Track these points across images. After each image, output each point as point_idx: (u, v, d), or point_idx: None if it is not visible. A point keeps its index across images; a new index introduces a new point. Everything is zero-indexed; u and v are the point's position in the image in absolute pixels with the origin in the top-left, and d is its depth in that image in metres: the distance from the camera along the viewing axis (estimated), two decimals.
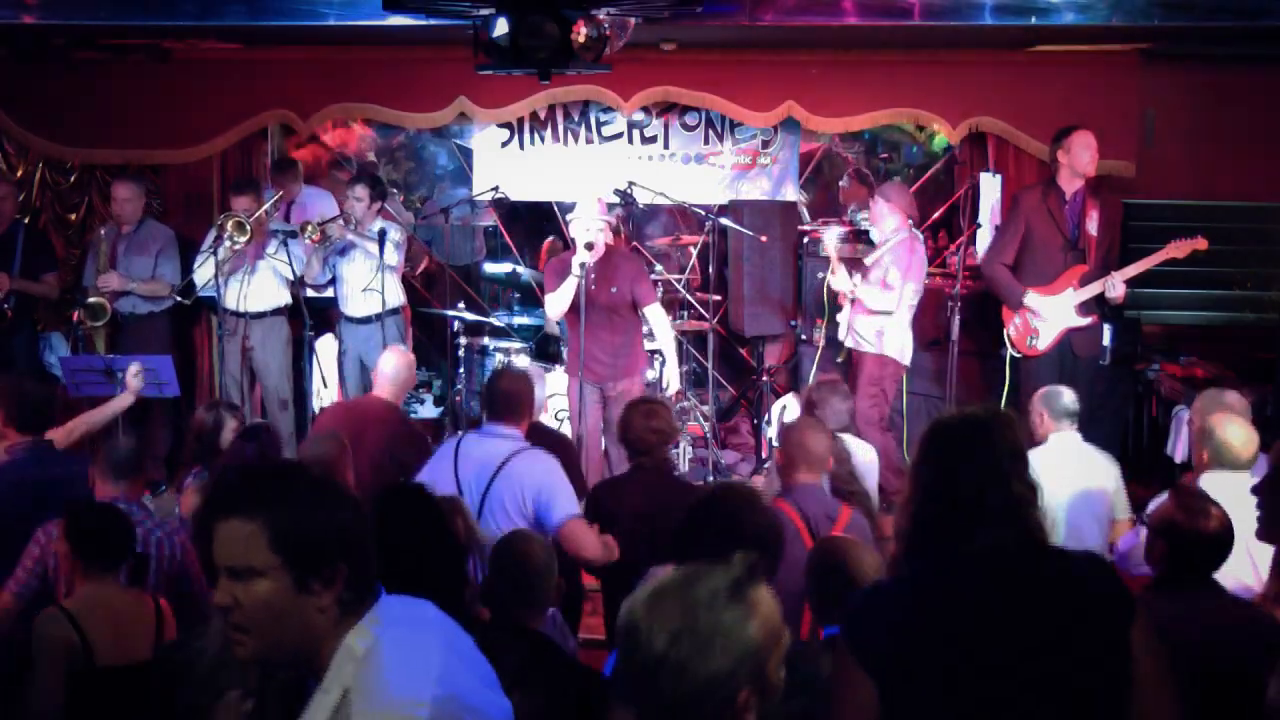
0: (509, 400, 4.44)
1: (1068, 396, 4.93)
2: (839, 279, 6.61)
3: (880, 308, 6.48)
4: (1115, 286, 6.13)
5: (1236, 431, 4.10)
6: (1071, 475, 4.72)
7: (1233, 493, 3.53)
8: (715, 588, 1.72)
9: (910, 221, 6.65)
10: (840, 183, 8.78)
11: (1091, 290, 6.22)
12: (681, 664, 1.68)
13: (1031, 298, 6.31)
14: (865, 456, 5.04)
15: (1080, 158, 6.23)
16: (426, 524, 3.03)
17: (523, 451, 4.30)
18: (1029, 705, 2.11)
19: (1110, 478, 4.83)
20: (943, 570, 2.20)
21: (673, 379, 6.45)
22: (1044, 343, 6.34)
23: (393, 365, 5.51)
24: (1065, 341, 6.33)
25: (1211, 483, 3.88)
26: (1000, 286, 6.46)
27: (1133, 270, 6.15)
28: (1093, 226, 6.26)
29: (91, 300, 6.94)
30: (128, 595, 3.64)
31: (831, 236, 6.78)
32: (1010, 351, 6.46)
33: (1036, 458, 4.61)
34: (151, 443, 6.88)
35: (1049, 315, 6.31)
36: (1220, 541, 3.18)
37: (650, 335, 6.61)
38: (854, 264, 6.91)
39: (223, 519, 1.83)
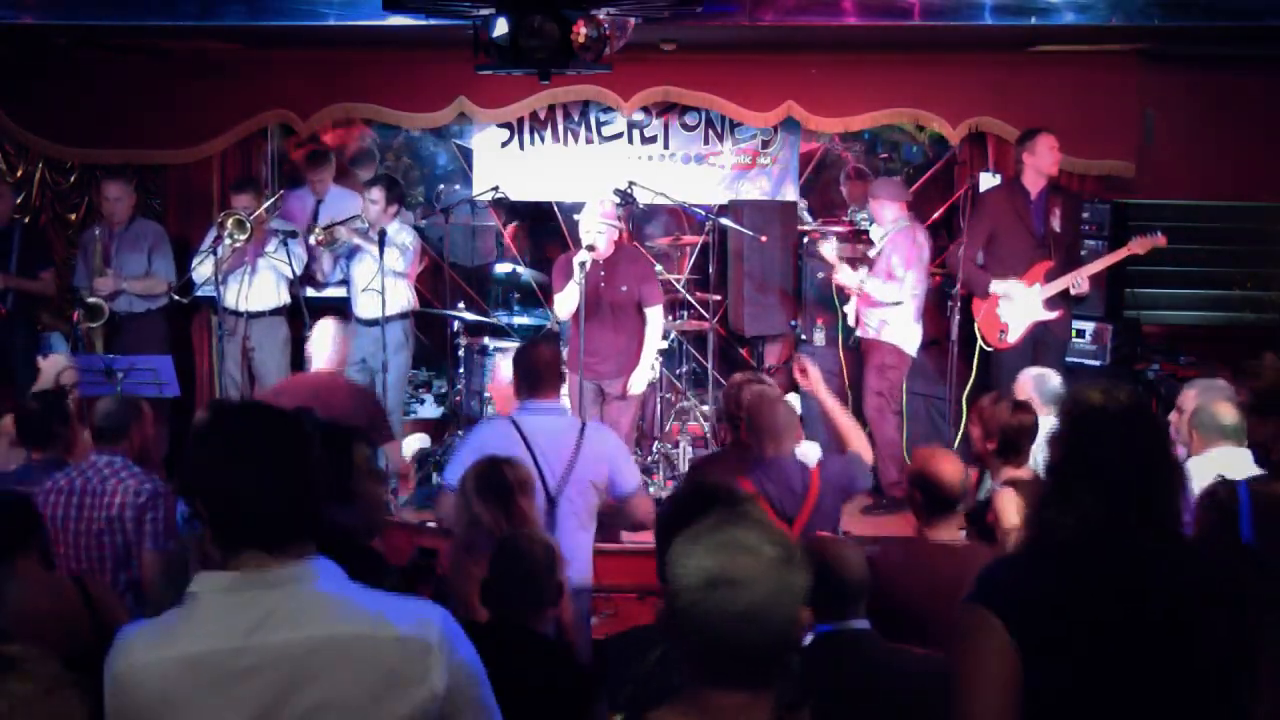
0: (551, 371, 4.45)
1: (1054, 380, 5.13)
2: (844, 275, 6.78)
3: (887, 299, 6.65)
4: (1081, 283, 6.36)
5: (1228, 408, 4.29)
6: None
7: (1238, 468, 3.62)
8: (761, 521, 1.84)
9: (909, 211, 6.85)
10: (840, 185, 8.79)
11: (1057, 286, 6.42)
12: (786, 585, 1.76)
13: (998, 284, 6.53)
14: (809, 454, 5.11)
15: (1044, 159, 6.48)
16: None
17: (590, 424, 4.51)
18: (1156, 686, 2.13)
19: None
20: (1090, 544, 2.18)
21: (639, 381, 6.41)
22: (1014, 336, 6.55)
23: (327, 334, 5.59)
24: (1037, 331, 6.52)
25: (1213, 460, 3.96)
26: (968, 277, 6.64)
27: (1097, 266, 6.36)
28: (1056, 224, 6.49)
29: (90, 301, 6.95)
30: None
31: (829, 247, 6.84)
32: (980, 344, 6.66)
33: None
34: (154, 443, 6.86)
35: (1017, 306, 6.49)
36: None
37: None
38: (857, 262, 7.00)
39: None
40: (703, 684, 1.79)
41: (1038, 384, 5.11)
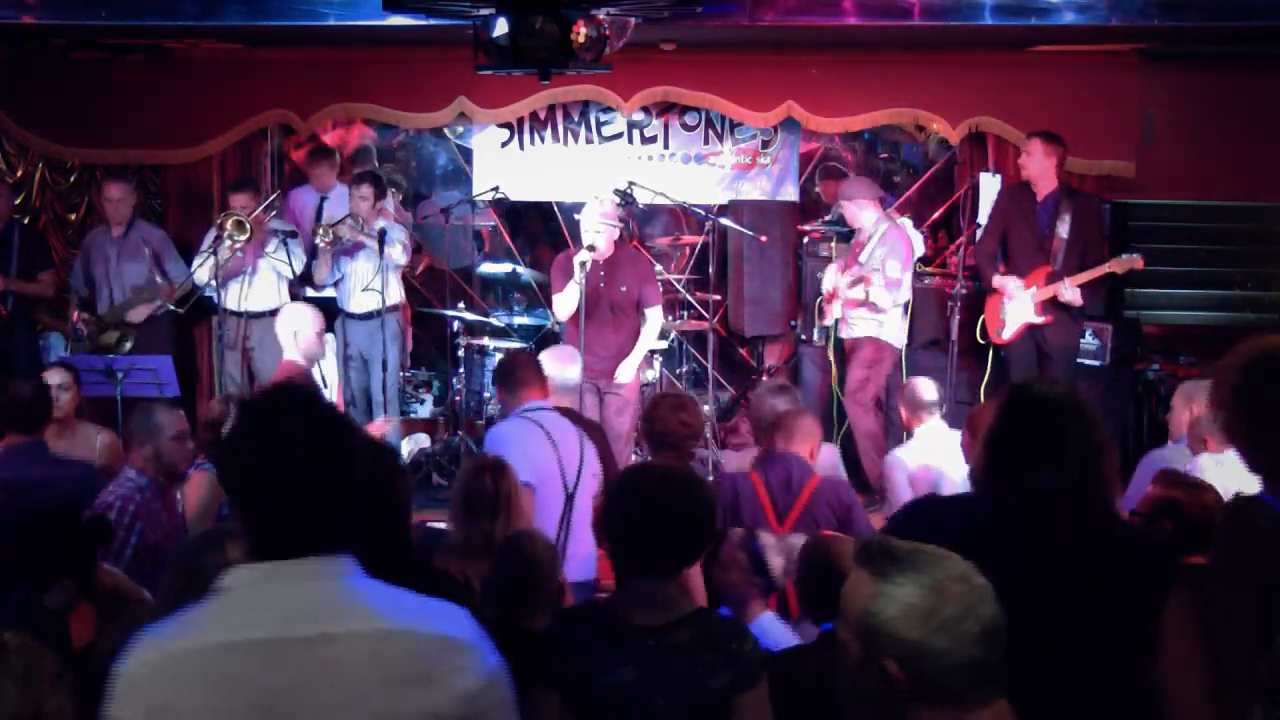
0: (535, 370, 4.59)
1: (924, 387, 5.23)
2: (851, 291, 6.77)
3: (892, 305, 6.65)
4: (1066, 290, 6.33)
5: None
6: (938, 463, 4.93)
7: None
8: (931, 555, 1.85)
9: (880, 206, 6.86)
10: (815, 187, 8.74)
11: (1047, 291, 6.41)
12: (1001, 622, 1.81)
13: (999, 278, 6.59)
14: (830, 459, 5.02)
15: (1032, 164, 6.52)
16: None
17: (583, 424, 4.61)
18: (1051, 643, 2.25)
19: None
20: (994, 500, 2.46)
21: (627, 371, 6.37)
22: (1008, 333, 6.60)
23: (288, 323, 5.55)
24: (1036, 335, 6.54)
25: (1221, 461, 3.96)
26: (980, 269, 6.79)
27: (1081, 279, 6.33)
28: (1064, 229, 6.43)
29: (113, 335, 6.97)
30: None
31: (829, 277, 6.92)
32: (978, 337, 6.80)
33: (903, 453, 4.85)
34: None
35: (1014, 306, 6.53)
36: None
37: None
38: (846, 266, 6.99)
39: None
40: (966, 703, 1.79)
41: (905, 396, 5.30)
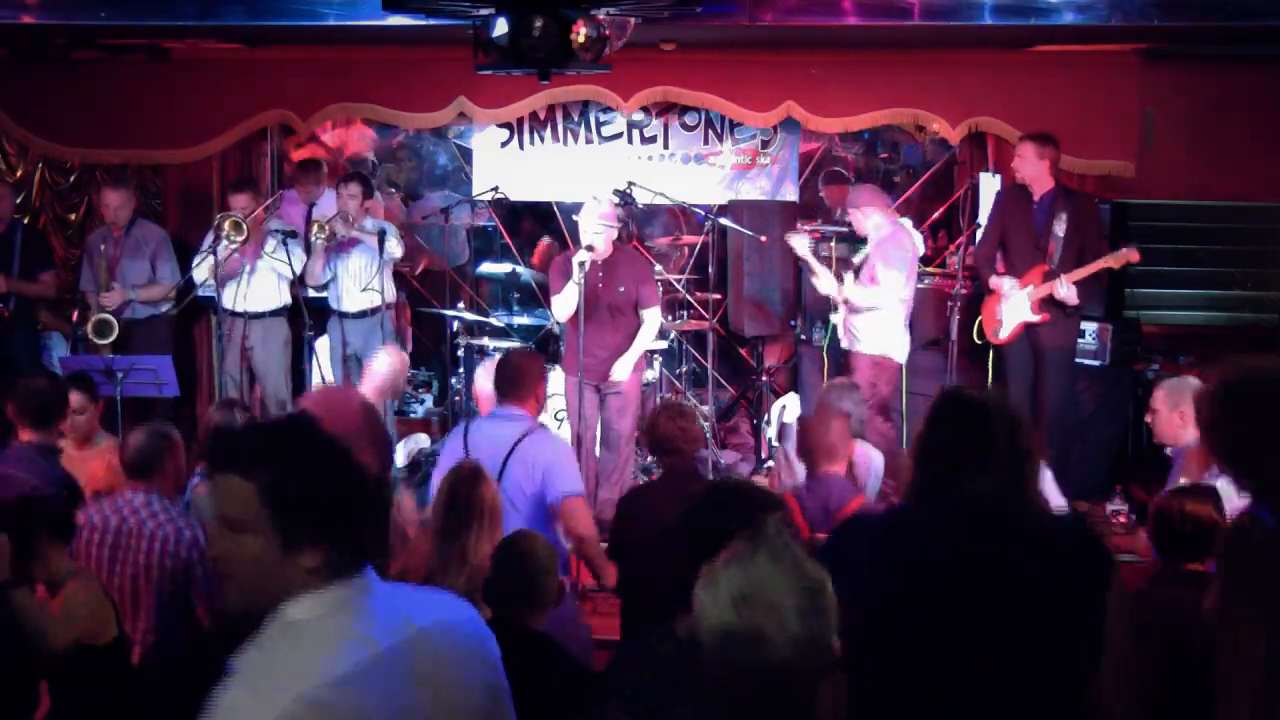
0: (518, 378, 4.52)
1: (847, 402, 5.15)
2: (823, 282, 6.66)
3: (866, 304, 6.48)
4: (1061, 287, 6.31)
5: None
6: None
7: None
8: (788, 556, 1.77)
9: (893, 214, 6.80)
10: (819, 191, 8.72)
11: (1043, 290, 6.40)
12: (811, 636, 1.71)
13: (996, 279, 6.58)
14: (875, 467, 5.06)
15: (1024, 166, 6.50)
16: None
17: (534, 432, 4.44)
18: (989, 647, 2.25)
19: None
20: (926, 509, 2.42)
21: (623, 369, 6.30)
22: (1005, 332, 6.59)
23: (385, 365, 5.52)
24: (1033, 335, 6.53)
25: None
26: (979, 270, 6.80)
27: (1078, 274, 6.31)
28: (1060, 228, 6.42)
29: (100, 318, 6.93)
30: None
31: (800, 242, 6.74)
32: (975, 337, 6.80)
33: None
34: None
35: (1010, 305, 6.52)
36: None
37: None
38: (846, 264, 6.95)
39: (223, 472, 1.85)
40: None
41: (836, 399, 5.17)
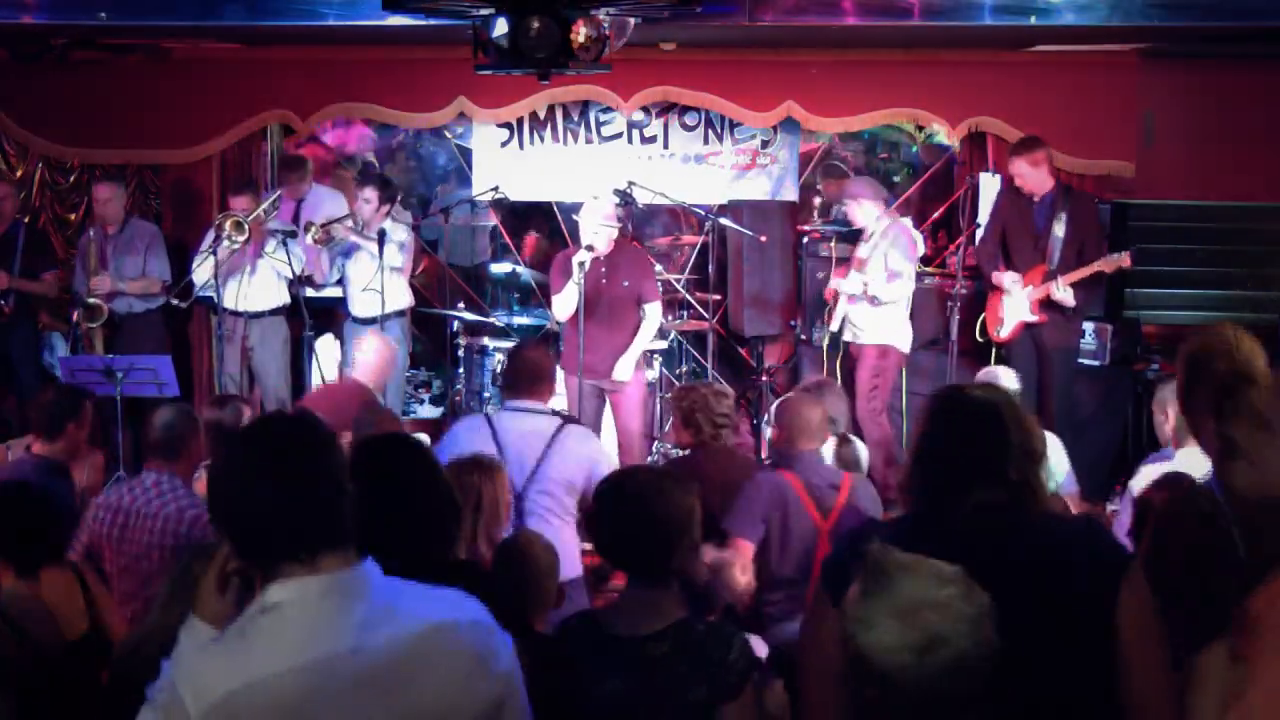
0: (536, 373, 4.49)
1: (1005, 378, 5.22)
2: (849, 283, 6.75)
3: (893, 298, 6.61)
4: (1057, 290, 6.35)
5: None
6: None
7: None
8: (909, 564, 1.78)
9: (884, 206, 6.85)
10: (817, 186, 8.74)
11: (1041, 291, 6.44)
12: (976, 615, 1.75)
13: (999, 275, 6.62)
14: (861, 456, 5.06)
15: (1024, 182, 6.54)
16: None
17: (571, 426, 4.44)
18: (1017, 660, 2.13)
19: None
20: (935, 519, 2.32)
21: (624, 369, 6.30)
22: (1005, 331, 6.65)
23: (373, 352, 5.66)
24: (1033, 334, 6.57)
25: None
26: (982, 269, 6.84)
27: (1072, 278, 6.35)
28: (1060, 229, 6.45)
29: (89, 301, 6.94)
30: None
31: (831, 283, 6.89)
32: (978, 335, 6.85)
33: None
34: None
35: (1011, 304, 6.57)
36: None
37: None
38: (846, 263, 6.98)
39: None
40: None
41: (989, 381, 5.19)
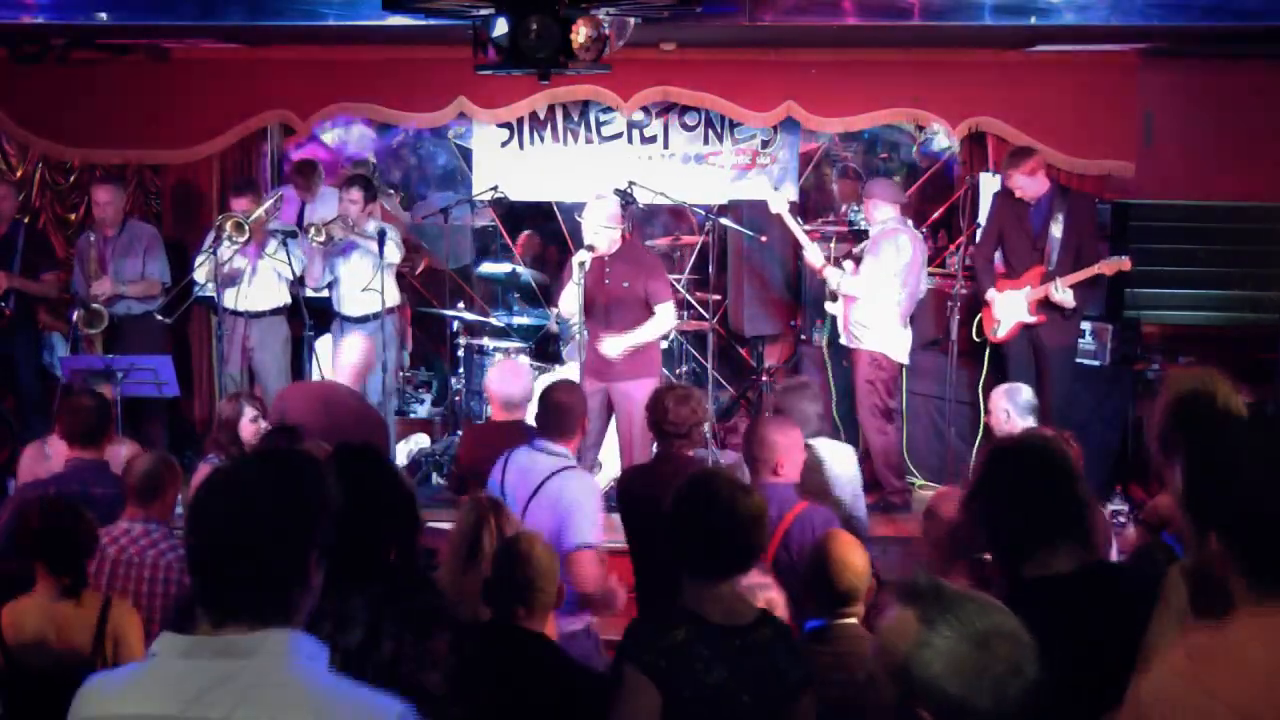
0: (561, 414, 4.42)
1: (1025, 392, 5.21)
2: (810, 252, 6.75)
3: (846, 290, 6.61)
4: (1057, 291, 6.36)
5: None
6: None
7: None
8: (981, 602, 1.76)
9: (899, 210, 6.81)
10: (832, 183, 8.77)
11: (1039, 292, 6.44)
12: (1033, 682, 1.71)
13: (991, 293, 6.67)
14: (841, 467, 4.91)
15: (1024, 193, 6.53)
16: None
17: (566, 470, 4.29)
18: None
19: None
20: (1038, 593, 2.28)
21: (613, 345, 6.16)
22: (1002, 332, 6.67)
23: (358, 353, 5.71)
24: (1031, 334, 6.57)
25: None
26: (976, 273, 6.85)
27: (1071, 279, 6.37)
28: (1057, 229, 6.47)
29: (91, 307, 6.92)
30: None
31: (814, 254, 6.78)
32: (974, 335, 6.88)
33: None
34: (151, 442, 6.86)
35: (1005, 309, 6.60)
36: None
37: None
38: (844, 259, 6.99)
39: None
40: None
41: (1010, 397, 5.18)
